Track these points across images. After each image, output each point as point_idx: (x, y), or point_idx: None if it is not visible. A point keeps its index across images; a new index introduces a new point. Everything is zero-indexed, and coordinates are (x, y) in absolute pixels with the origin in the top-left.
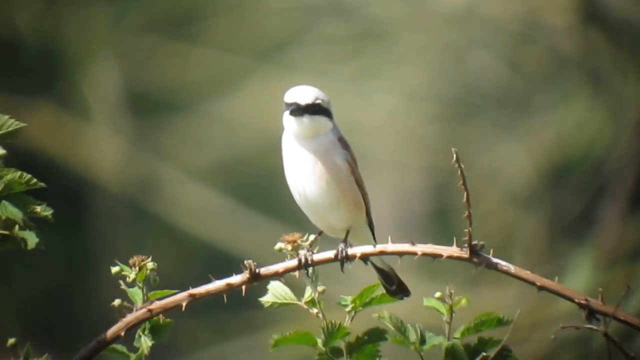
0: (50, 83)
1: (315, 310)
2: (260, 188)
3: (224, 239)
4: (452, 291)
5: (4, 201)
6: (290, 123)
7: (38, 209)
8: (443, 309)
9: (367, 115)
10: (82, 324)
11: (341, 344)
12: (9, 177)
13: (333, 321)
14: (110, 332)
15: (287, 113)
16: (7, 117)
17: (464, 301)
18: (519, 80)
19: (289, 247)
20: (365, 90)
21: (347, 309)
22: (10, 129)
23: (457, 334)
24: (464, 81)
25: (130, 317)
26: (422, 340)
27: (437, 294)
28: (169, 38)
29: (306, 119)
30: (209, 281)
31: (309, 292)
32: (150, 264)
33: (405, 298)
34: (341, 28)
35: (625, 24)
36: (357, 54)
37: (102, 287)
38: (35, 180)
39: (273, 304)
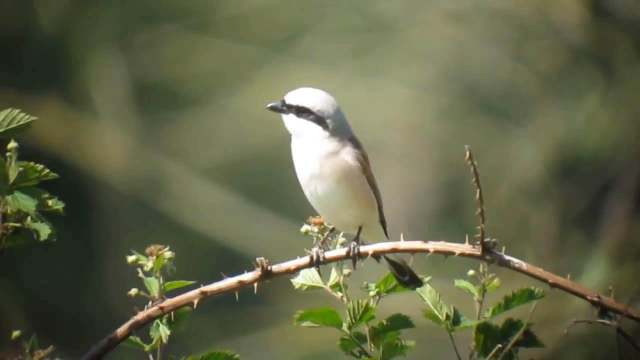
0: (56, 79)
1: (340, 294)
2: (268, 184)
3: (232, 237)
4: (486, 270)
5: (16, 192)
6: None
7: (50, 202)
8: (474, 289)
9: (378, 109)
10: (88, 321)
11: (365, 329)
12: (22, 166)
13: (360, 301)
14: (121, 329)
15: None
16: (17, 111)
17: (496, 281)
18: (530, 75)
19: (315, 230)
20: (376, 85)
21: (372, 294)
22: (21, 122)
23: (488, 314)
24: (474, 76)
25: (141, 315)
26: (456, 319)
27: (471, 272)
28: (176, 32)
29: (288, 118)
30: (220, 278)
31: (334, 276)
32: (167, 254)
33: (417, 288)
34: (352, 21)
35: (632, 19)
36: (368, 47)
37: (108, 284)
38: (47, 170)
39: (302, 286)
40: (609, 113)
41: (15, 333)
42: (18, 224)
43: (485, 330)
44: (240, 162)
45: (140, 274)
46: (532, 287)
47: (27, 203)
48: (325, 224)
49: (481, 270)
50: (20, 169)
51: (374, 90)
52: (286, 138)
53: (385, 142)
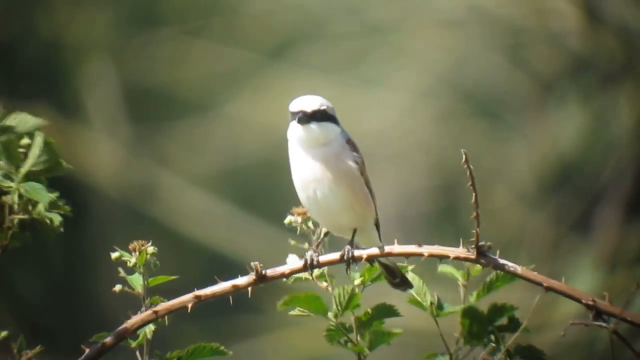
0: (48, 87)
1: (325, 284)
2: (260, 191)
3: (224, 244)
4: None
5: (31, 182)
6: (298, 131)
7: (59, 203)
8: (458, 274)
9: (373, 115)
10: (81, 326)
11: (350, 319)
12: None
13: (345, 287)
14: (115, 334)
15: (294, 122)
16: (25, 113)
17: (478, 266)
18: (525, 80)
19: (299, 220)
20: (372, 90)
21: (356, 282)
22: (29, 125)
23: (473, 298)
24: (469, 81)
25: (135, 319)
26: (440, 305)
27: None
28: (169, 38)
29: (314, 126)
30: (214, 283)
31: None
32: (150, 249)
33: (407, 290)
34: (349, 27)
35: (627, 27)
36: (364, 53)
37: (100, 289)
38: (61, 161)
39: (290, 277)
40: (603, 120)
41: (3, 333)
42: (25, 216)
43: (470, 314)
44: (232, 169)
45: (122, 273)
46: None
47: (41, 195)
48: (319, 229)
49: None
50: (46, 158)
51: (370, 95)
52: (279, 145)
53: (379, 146)
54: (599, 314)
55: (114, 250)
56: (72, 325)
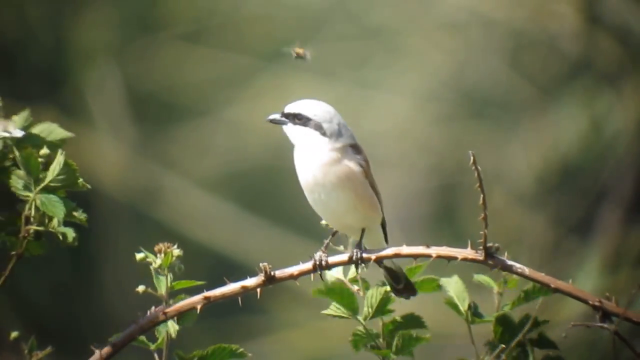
0: (53, 90)
1: (356, 288)
2: (265, 193)
3: (227, 246)
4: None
5: (50, 195)
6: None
7: (76, 213)
8: (493, 283)
9: (373, 116)
10: (88, 328)
11: (375, 327)
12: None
13: (379, 288)
14: (125, 334)
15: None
16: (55, 125)
17: (515, 277)
18: (525, 82)
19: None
20: (372, 93)
21: (387, 289)
22: (58, 137)
23: (508, 307)
24: (469, 83)
25: (144, 320)
26: (476, 312)
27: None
28: (172, 41)
29: (288, 128)
30: (219, 284)
31: (352, 270)
32: (176, 251)
33: (411, 297)
34: (349, 30)
35: (626, 29)
36: (364, 56)
37: (106, 291)
38: (81, 180)
39: (331, 277)
40: (603, 121)
41: (14, 334)
42: (41, 228)
43: (504, 322)
44: (236, 171)
45: (152, 271)
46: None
47: (56, 207)
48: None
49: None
50: (64, 174)
51: (370, 98)
52: (282, 147)
53: (380, 148)
54: (605, 315)
55: (119, 252)
56: (78, 326)
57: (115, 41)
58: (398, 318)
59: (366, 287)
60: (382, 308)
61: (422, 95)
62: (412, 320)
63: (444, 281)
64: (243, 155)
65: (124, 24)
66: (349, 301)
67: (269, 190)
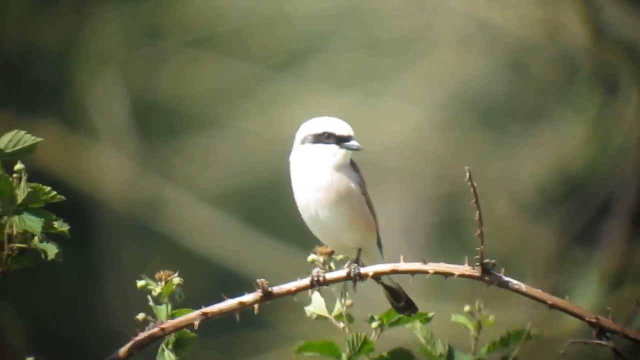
0: (55, 101)
1: (342, 325)
2: (268, 207)
3: (230, 259)
4: (481, 306)
5: (24, 213)
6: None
7: (56, 224)
8: (470, 324)
9: (379, 126)
10: (89, 341)
11: None
12: (32, 187)
13: (358, 334)
14: (123, 350)
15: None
16: (23, 132)
17: (491, 318)
18: (530, 92)
19: (321, 259)
20: (378, 102)
21: (374, 326)
22: (27, 144)
23: (484, 350)
24: (474, 92)
25: (142, 336)
26: (450, 356)
27: (467, 308)
28: (177, 51)
29: (332, 148)
30: (220, 300)
31: (337, 307)
32: (176, 279)
33: (412, 314)
34: (357, 39)
35: (632, 39)
36: (371, 66)
37: (108, 305)
38: (54, 192)
39: (312, 314)
40: (607, 132)
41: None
42: (24, 245)
43: None
44: (239, 184)
45: (150, 302)
46: (528, 328)
47: (33, 224)
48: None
49: (477, 307)
50: (30, 189)
51: (377, 108)
52: (286, 159)
53: (386, 158)
54: (602, 331)
55: (122, 265)
56: (79, 339)
57: (119, 52)
58: (385, 354)
59: (351, 323)
60: (362, 349)
61: (428, 105)
62: (400, 355)
63: (414, 325)
64: (246, 167)
65: (128, 35)
66: (332, 350)
67: (272, 203)
